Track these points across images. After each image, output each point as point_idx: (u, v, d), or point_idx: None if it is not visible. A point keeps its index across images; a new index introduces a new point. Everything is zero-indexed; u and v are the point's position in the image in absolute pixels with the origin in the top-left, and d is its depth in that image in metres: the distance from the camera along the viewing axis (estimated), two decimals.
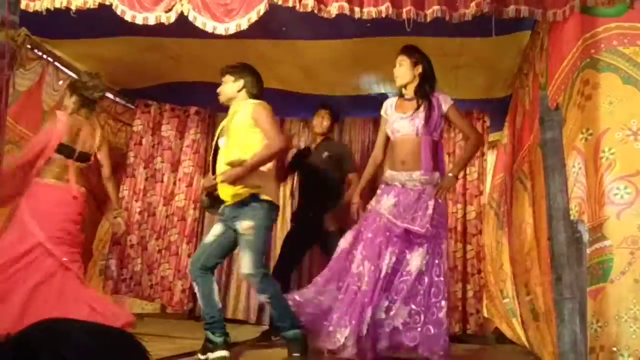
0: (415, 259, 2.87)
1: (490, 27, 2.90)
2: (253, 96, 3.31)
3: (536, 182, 3.09)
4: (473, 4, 2.77)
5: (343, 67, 4.18)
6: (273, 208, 3.14)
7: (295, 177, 4.63)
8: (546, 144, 1.76)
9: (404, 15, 2.81)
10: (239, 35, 3.26)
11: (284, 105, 4.94)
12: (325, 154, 4.08)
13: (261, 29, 3.48)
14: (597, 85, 2.59)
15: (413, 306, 2.84)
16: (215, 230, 3.25)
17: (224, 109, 5.14)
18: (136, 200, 5.03)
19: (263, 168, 3.07)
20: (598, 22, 2.71)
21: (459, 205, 4.71)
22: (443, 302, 2.87)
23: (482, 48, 3.68)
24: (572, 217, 2.03)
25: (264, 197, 3.06)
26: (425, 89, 3.10)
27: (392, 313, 2.81)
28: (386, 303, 2.83)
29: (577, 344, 1.54)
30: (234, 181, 2.96)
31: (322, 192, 3.91)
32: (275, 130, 3.12)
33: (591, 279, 2.30)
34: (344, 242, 3.07)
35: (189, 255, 4.92)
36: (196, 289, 3.20)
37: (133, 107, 5.16)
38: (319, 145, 4.19)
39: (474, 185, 4.75)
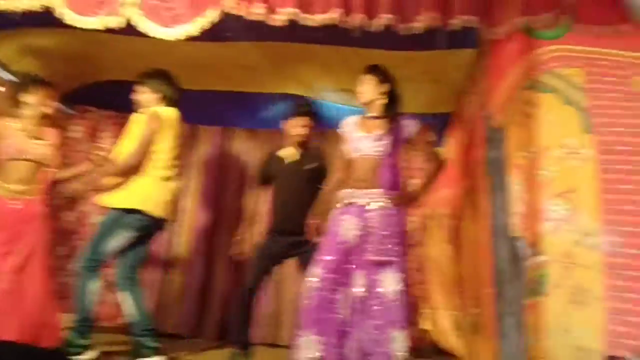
0: (389, 280, 2.78)
1: (435, 40, 2.96)
2: (170, 103, 3.42)
3: (479, 197, 3.16)
4: (422, 17, 2.83)
5: (286, 68, 4.13)
6: (127, 213, 3.21)
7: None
8: (490, 163, 1.79)
9: (354, 23, 2.83)
10: None
11: (229, 111, 4.90)
12: (308, 166, 3.69)
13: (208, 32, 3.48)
14: (538, 105, 2.70)
15: (404, 330, 2.74)
16: None
17: None
18: (69, 210, 4.82)
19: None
20: (539, 44, 2.83)
21: None
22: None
23: (427, 62, 3.73)
24: (513, 234, 2.08)
25: (119, 205, 3.21)
26: (393, 110, 3.03)
27: (383, 341, 2.71)
28: (370, 329, 2.74)
29: (517, 357, 1.57)
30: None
31: (300, 211, 3.51)
32: (137, 146, 3.22)
33: (528, 293, 2.37)
34: (311, 282, 2.87)
35: None
36: (127, 299, 3.28)
37: (71, 112, 4.96)
38: (300, 156, 3.73)
39: None
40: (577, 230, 2.42)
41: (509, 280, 1.58)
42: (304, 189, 3.61)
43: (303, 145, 3.74)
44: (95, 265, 3.20)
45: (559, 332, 2.28)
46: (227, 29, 3.41)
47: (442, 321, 4.15)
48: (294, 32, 3.20)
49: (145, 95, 3.42)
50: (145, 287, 4.75)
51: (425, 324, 4.54)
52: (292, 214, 3.55)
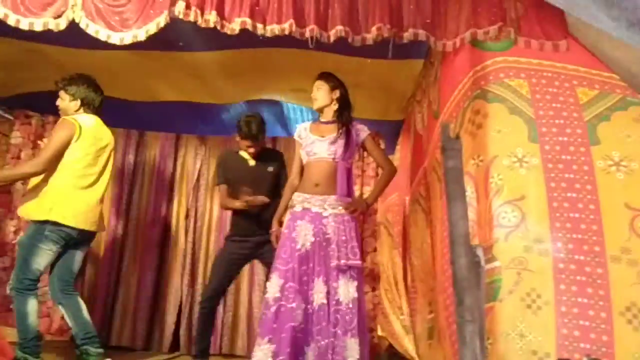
0: (345, 287, 2.81)
1: (386, 49, 3.00)
2: (91, 109, 3.36)
3: (432, 205, 3.22)
4: (374, 28, 2.88)
5: (240, 76, 4.11)
6: (41, 225, 3.12)
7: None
8: (448, 172, 1.84)
9: (307, 34, 2.84)
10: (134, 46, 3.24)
11: (180, 119, 4.82)
12: (270, 168, 3.71)
13: (157, 40, 3.43)
14: (487, 115, 2.76)
15: (357, 338, 2.76)
16: None
17: (115, 122, 4.96)
18: (11, 219, 4.63)
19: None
20: (487, 55, 2.91)
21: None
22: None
23: (379, 69, 3.78)
24: (473, 242, 2.13)
25: (32, 216, 3.14)
26: (345, 116, 3.10)
27: (339, 348, 2.73)
28: (329, 337, 2.75)
29: None
30: None
31: (261, 213, 3.53)
32: (46, 151, 3.14)
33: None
34: (272, 292, 2.86)
35: None
36: (64, 311, 3.23)
37: (11, 117, 4.75)
38: (257, 156, 3.72)
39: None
40: (528, 236, 2.49)
41: (468, 288, 1.63)
42: (265, 191, 3.59)
43: (258, 155, 3.73)
44: (29, 285, 3.10)
45: (514, 337, 2.35)
46: (179, 38, 3.38)
47: (396, 327, 4.20)
48: (246, 37, 3.22)
49: (65, 102, 3.33)
50: (97, 301, 4.68)
51: (381, 330, 4.60)
52: (254, 216, 3.53)
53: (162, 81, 4.11)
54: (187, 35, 3.40)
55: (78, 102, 3.31)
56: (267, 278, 3.04)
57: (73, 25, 2.87)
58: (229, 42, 3.21)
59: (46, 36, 3.02)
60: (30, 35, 3.08)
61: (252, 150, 3.66)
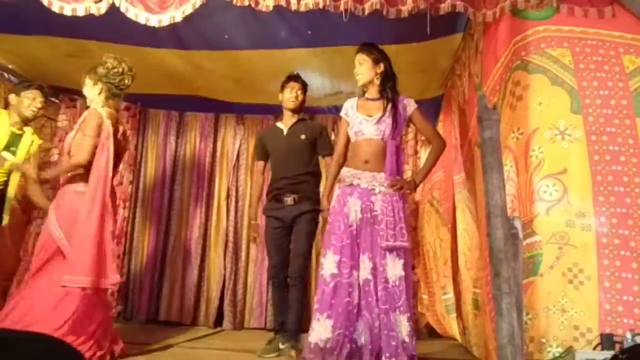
0: (392, 265, 2.81)
1: (422, 32, 2.92)
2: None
3: (476, 179, 3.16)
4: (410, 1, 2.80)
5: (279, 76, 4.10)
6: None
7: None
8: (484, 143, 1.80)
9: (342, 7, 2.78)
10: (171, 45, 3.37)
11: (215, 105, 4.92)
12: (303, 136, 3.66)
13: (198, 38, 3.56)
14: (527, 86, 2.69)
15: (406, 314, 2.77)
16: None
17: (156, 105, 5.08)
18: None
19: None
20: (528, 25, 2.81)
21: None
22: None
23: (417, 53, 3.72)
24: (510, 214, 2.10)
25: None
26: (389, 91, 3.01)
27: (389, 325, 2.74)
28: (377, 313, 2.76)
29: (514, 337, 1.59)
30: None
31: (299, 178, 3.57)
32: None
33: (523, 273, 2.38)
34: (329, 268, 2.85)
35: (118, 257, 4.75)
36: None
37: (57, 101, 4.90)
38: (294, 126, 3.71)
39: None
40: (570, 211, 2.43)
41: (505, 260, 1.60)
42: (300, 158, 3.61)
43: (297, 112, 3.72)
44: None
45: (555, 311, 2.31)
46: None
47: (438, 307, 4.18)
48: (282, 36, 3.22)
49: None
50: (146, 277, 4.84)
51: (421, 307, 4.59)
52: (290, 183, 3.55)
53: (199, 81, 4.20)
54: (224, 30, 3.48)
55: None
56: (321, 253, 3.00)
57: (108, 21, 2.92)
58: (263, 42, 3.21)
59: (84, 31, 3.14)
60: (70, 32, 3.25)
61: (293, 97, 3.67)
